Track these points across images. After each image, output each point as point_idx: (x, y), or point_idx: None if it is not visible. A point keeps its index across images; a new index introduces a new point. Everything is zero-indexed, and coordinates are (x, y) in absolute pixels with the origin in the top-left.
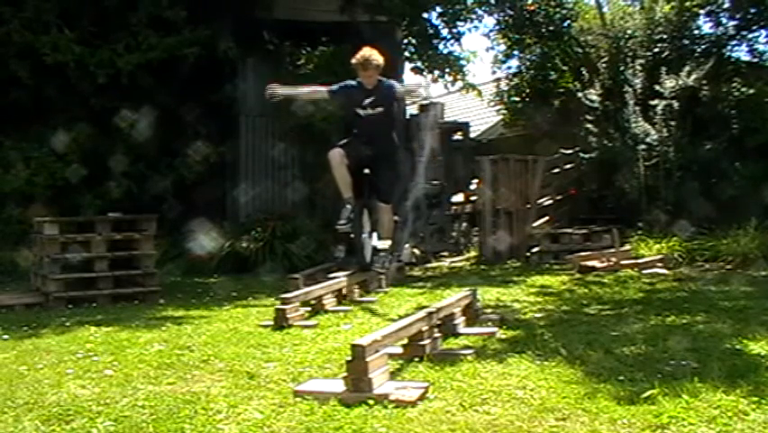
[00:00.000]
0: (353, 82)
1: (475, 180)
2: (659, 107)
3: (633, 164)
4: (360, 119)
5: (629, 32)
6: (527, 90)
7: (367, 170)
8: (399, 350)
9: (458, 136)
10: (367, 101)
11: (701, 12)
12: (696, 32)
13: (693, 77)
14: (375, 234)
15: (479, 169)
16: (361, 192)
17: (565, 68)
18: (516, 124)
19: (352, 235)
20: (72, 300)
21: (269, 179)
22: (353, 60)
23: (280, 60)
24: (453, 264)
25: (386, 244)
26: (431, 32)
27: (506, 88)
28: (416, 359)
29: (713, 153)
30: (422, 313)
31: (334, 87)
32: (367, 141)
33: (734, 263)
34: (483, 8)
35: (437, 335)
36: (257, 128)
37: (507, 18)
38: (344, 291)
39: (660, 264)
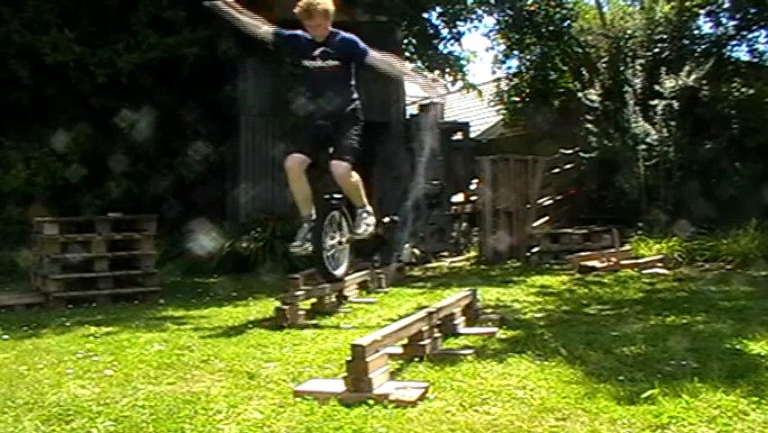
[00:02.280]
0: (306, 34)
1: (475, 180)
2: (659, 107)
3: (633, 164)
4: (308, 73)
5: (629, 32)
6: (527, 90)
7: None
8: (399, 350)
9: (458, 136)
10: (316, 52)
11: (701, 12)
12: (696, 32)
13: (693, 77)
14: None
15: (479, 169)
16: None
17: (565, 68)
18: (516, 124)
19: (311, 251)
20: (72, 300)
21: (269, 179)
22: (296, 9)
23: (280, 60)
24: (453, 264)
25: (355, 201)
26: (431, 32)
27: (506, 88)
28: (416, 359)
29: (713, 153)
30: (422, 313)
31: (284, 30)
32: (316, 99)
33: (734, 263)
34: (483, 8)
35: (437, 335)
36: (257, 128)
37: (507, 18)
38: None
39: (660, 264)
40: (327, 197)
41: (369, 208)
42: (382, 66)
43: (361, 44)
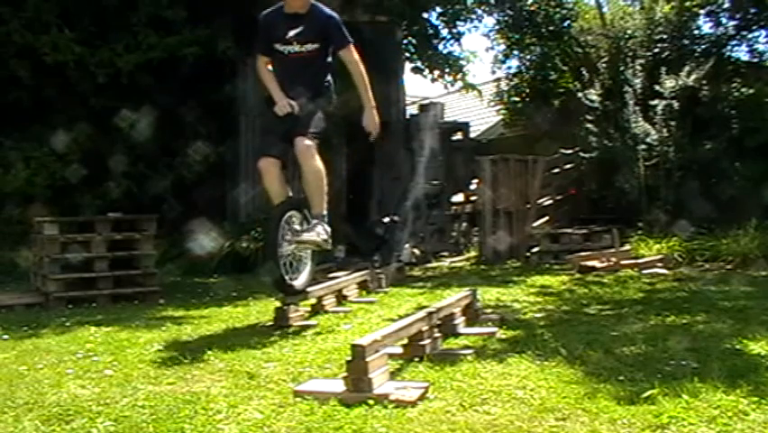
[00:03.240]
0: (274, 9)
1: (475, 180)
2: (659, 107)
3: (633, 164)
4: (281, 58)
5: (629, 32)
6: (527, 90)
7: None
8: (399, 350)
9: (458, 136)
10: (292, 33)
11: (701, 12)
12: (696, 32)
13: (693, 77)
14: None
15: (479, 169)
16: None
17: (565, 68)
18: (516, 124)
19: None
20: (72, 300)
21: None
22: None
23: None
24: (453, 264)
25: (313, 203)
26: (431, 32)
27: (506, 88)
28: (416, 359)
29: (713, 153)
30: (422, 313)
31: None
32: (287, 89)
33: (734, 263)
34: (483, 8)
35: (437, 335)
36: (257, 128)
37: (506, 18)
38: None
39: (660, 264)
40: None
41: (324, 216)
42: (356, 72)
43: (346, 31)
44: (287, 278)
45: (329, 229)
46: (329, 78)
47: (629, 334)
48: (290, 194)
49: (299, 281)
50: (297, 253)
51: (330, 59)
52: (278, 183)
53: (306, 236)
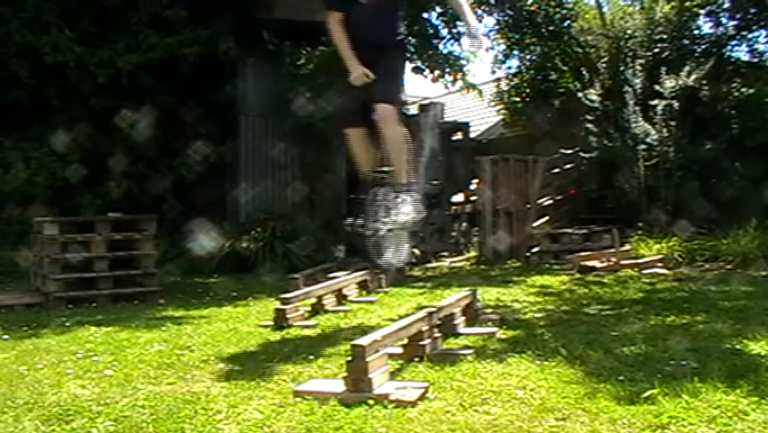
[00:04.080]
0: None
1: (475, 180)
2: (659, 107)
3: (633, 164)
4: (354, 9)
5: (629, 32)
6: (527, 90)
7: None
8: (399, 350)
9: (458, 136)
10: None
11: (701, 12)
12: (696, 32)
13: (693, 77)
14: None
15: (479, 169)
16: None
17: (565, 68)
18: (516, 124)
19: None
20: (72, 300)
21: (269, 179)
22: None
23: (280, 60)
24: (453, 264)
25: (399, 171)
26: (431, 31)
27: (506, 88)
28: (416, 359)
29: (713, 153)
30: (422, 313)
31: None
32: (364, 45)
33: (734, 263)
34: (483, 8)
35: (437, 335)
36: (257, 128)
37: (507, 18)
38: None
39: (660, 264)
40: (373, 171)
41: (413, 187)
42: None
43: None
44: (374, 258)
45: (419, 198)
46: (402, 28)
47: (629, 334)
48: (378, 164)
49: (400, 258)
50: (386, 232)
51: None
52: (366, 150)
53: (402, 217)
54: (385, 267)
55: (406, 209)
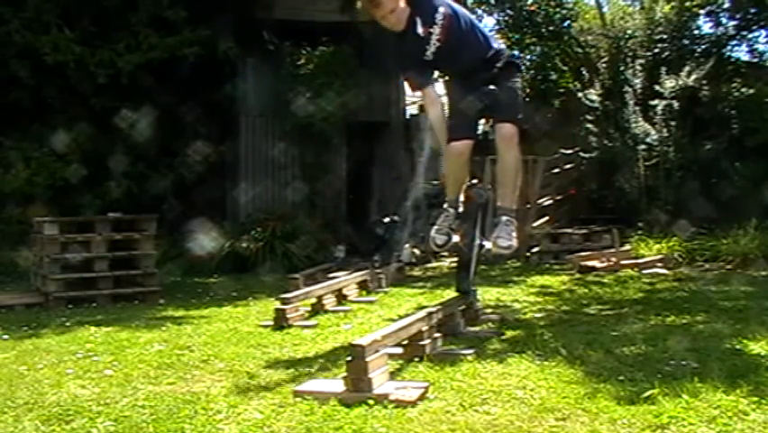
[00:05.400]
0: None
1: (475, 180)
2: (659, 107)
3: (633, 164)
4: (434, 51)
5: (629, 32)
6: (527, 90)
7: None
8: (399, 350)
9: None
10: (419, 28)
11: (701, 12)
12: (696, 32)
13: (693, 77)
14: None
15: (479, 169)
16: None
17: (565, 68)
18: None
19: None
20: (72, 300)
21: (269, 179)
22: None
23: (280, 60)
24: (453, 264)
25: (506, 195)
26: None
27: None
28: (416, 359)
29: (713, 153)
30: (422, 313)
31: (417, 79)
32: (454, 69)
33: (734, 263)
34: (483, 8)
35: (437, 335)
36: (257, 128)
37: (507, 18)
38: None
39: (660, 264)
40: (478, 186)
41: (514, 213)
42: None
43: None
44: (471, 281)
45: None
46: (492, 42)
47: (629, 334)
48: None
49: (471, 279)
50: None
51: (473, 27)
52: (461, 165)
53: (504, 243)
54: (466, 290)
55: (509, 235)
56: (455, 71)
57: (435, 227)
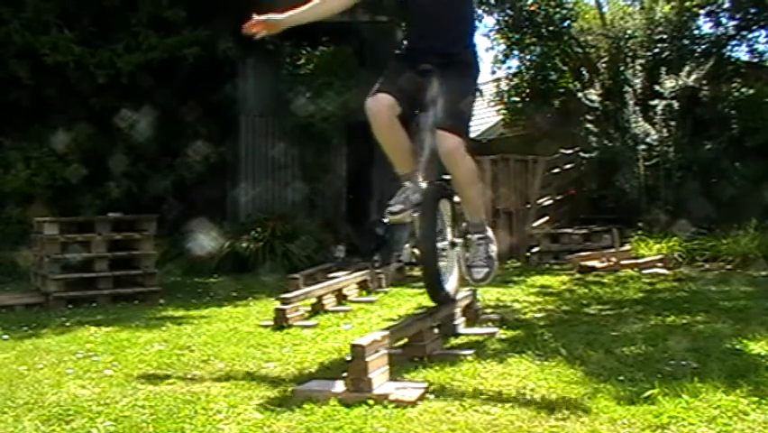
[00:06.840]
0: None
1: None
2: (659, 107)
3: (633, 164)
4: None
5: (629, 32)
6: (527, 90)
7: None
8: (399, 350)
9: None
10: None
11: (701, 12)
12: (696, 32)
13: (693, 77)
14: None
15: (479, 169)
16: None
17: (565, 68)
18: (516, 124)
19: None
20: (72, 300)
21: (269, 179)
22: None
23: (280, 60)
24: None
25: (471, 209)
26: None
27: (506, 88)
28: (416, 359)
29: (713, 153)
30: (422, 313)
31: None
32: (423, 38)
33: (734, 263)
34: (483, 8)
35: (437, 335)
36: (257, 128)
37: (507, 18)
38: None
39: (660, 264)
40: (434, 181)
41: (488, 230)
42: None
43: None
44: (441, 285)
45: (494, 242)
46: (473, 36)
47: (629, 334)
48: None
49: (450, 285)
50: (448, 251)
51: (472, 12)
52: (393, 129)
53: (479, 273)
54: (450, 296)
55: (485, 260)
56: (421, 28)
57: (392, 200)
